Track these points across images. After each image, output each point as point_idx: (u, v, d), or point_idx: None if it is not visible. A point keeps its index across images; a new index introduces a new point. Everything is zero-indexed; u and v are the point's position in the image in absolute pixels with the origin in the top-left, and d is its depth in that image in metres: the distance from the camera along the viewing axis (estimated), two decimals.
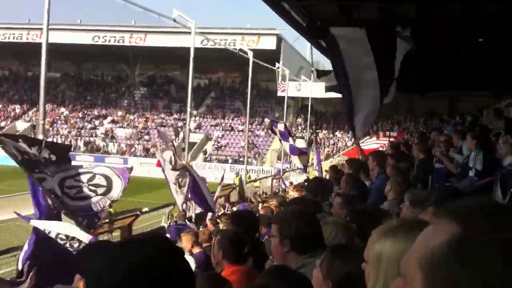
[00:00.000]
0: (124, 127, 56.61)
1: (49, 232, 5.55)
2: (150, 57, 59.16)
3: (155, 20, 48.38)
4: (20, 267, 5.31)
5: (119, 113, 59.03)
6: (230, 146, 52.41)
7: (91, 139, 54.59)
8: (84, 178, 6.56)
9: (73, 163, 7.34)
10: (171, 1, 52.57)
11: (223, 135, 54.42)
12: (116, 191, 6.60)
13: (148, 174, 34.80)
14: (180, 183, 9.50)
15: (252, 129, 50.00)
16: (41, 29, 13.26)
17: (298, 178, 21.71)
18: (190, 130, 22.58)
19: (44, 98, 11.68)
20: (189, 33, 21.06)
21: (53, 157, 6.43)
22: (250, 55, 27.29)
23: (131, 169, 7.39)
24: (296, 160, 13.09)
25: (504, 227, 0.85)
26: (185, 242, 6.79)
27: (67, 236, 5.46)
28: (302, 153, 14.14)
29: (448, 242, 0.86)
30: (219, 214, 11.55)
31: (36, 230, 5.52)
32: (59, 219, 6.32)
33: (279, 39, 51.78)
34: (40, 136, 11.57)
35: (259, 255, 4.35)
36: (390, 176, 5.96)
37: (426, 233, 0.93)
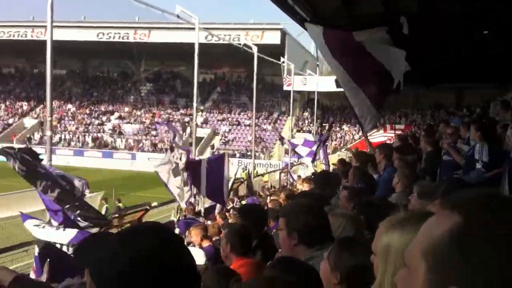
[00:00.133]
0: (131, 123, 56.78)
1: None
2: (155, 53, 59.22)
3: (158, 16, 48.48)
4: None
5: (126, 109, 59.19)
6: (237, 141, 52.47)
7: (99, 135, 54.80)
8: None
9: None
10: None
11: (230, 130, 54.46)
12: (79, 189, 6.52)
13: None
14: (185, 182, 9.45)
15: (258, 123, 50.00)
16: (45, 26, 13.30)
17: (306, 171, 21.70)
18: (197, 125, 22.59)
19: (51, 95, 11.73)
20: (193, 28, 21.08)
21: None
22: (255, 50, 27.27)
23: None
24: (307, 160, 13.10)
25: (505, 222, 0.86)
26: (194, 236, 6.81)
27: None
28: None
29: (450, 232, 0.88)
30: (228, 208, 11.58)
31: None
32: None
33: (283, 34, 51.67)
34: (48, 133, 11.65)
35: (268, 248, 4.37)
36: (398, 169, 5.96)
37: (429, 223, 0.94)
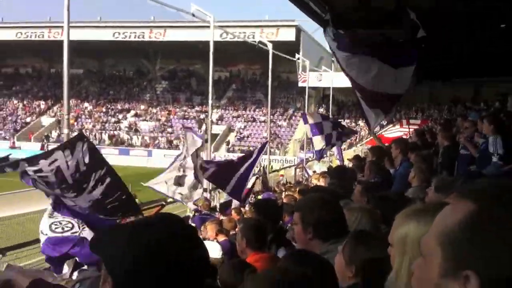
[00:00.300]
0: (147, 120, 57.16)
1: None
2: (171, 51, 59.48)
3: (174, 15, 48.77)
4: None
5: (142, 106, 59.60)
6: (253, 137, 52.54)
7: (115, 132, 55.26)
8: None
9: None
10: None
11: (245, 126, 54.56)
12: None
13: None
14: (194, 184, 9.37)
15: (274, 120, 49.99)
16: (61, 27, 13.41)
17: (321, 167, 21.64)
18: (212, 121, 22.66)
19: (68, 93, 11.85)
20: (208, 26, 21.10)
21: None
22: (270, 47, 27.24)
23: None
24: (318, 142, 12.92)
25: None
26: (209, 231, 6.84)
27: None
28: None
29: (464, 220, 0.89)
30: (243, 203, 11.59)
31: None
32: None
33: (298, 30, 51.54)
34: (66, 130, 11.76)
35: (283, 242, 4.38)
36: (414, 164, 5.93)
37: (444, 212, 0.96)
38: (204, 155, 9.48)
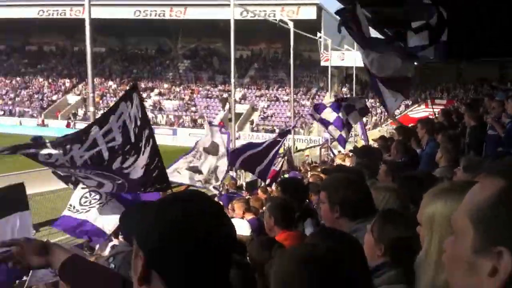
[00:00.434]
0: (171, 99, 57.39)
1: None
2: (191, 30, 59.36)
3: None
4: None
5: (165, 85, 59.82)
6: (276, 116, 52.44)
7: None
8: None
9: None
10: None
11: (268, 106, 54.42)
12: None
13: None
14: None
15: (297, 99, 49.76)
16: (82, 5, 13.44)
17: (347, 146, 21.53)
18: (235, 101, 22.67)
19: (92, 72, 11.95)
20: (228, 5, 20.91)
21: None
22: (291, 25, 27.02)
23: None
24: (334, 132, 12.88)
25: None
26: (236, 209, 6.89)
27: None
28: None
29: (494, 196, 0.91)
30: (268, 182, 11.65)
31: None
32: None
33: (319, 9, 50.95)
34: (91, 108, 11.91)
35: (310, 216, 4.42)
36: (440, 144, 5.89)
37: (474, 189, 0.97)
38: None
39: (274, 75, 58.62)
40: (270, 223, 3.95)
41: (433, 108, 15.95)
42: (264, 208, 6.59)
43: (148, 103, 56.74)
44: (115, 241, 7.20)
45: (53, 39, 67.94)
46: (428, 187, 1.96)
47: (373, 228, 2.39)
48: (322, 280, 1.41)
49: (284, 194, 4.84)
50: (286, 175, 12.56)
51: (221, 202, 9.35)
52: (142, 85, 60.13)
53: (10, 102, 60.51)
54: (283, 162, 12.37)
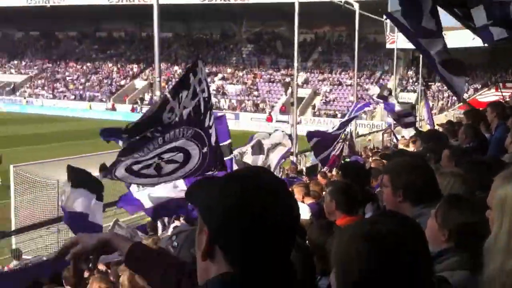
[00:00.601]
0: (234, 84, 57.89)
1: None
2: (256, 14, 59.35)
3: None
4: None
5: (228, 70, 60.38)
6: (339, 101, 51.84)
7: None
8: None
9: None
10: None
11: (331, 90, 53.86)
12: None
13: (258, 129, 35.46)
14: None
15: (360, 83, 48.91)
16: None
17: (410, 132, 21.03)
18: (298, 85, 22.57)
19: (159, 57, 12.20)
20: None
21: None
22: (356, 6, 26.47)
23: None
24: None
25: None
26: (296, 193, 6.89)
27: None
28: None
29: None
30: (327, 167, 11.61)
31: None
32: None
33: None
34: (158, 93, 12.21)
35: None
36: (511, 128, 5.64)
37: None
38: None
39: (337, 58, 57.86)
40: (331, 207, 3.92)
41: (502, 92, 15.29)
42: (324, 193, 6.56)
43: (211, 88, 57.46)
44: (177, 223, 7.40)
45: (122, 25, 69.95)
46: (496, 172, 1.90)
47: (437, 213, 2.35)
48: (380, 260, 1.38)
49: (345, 178, 4.80)
50: (348, 160, 12.45)
51: None
52: (206, 70, 60.67)
53: (81, 87, 63.06)
54: (342, 147, 12.32)
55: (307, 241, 3.46)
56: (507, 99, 10.32)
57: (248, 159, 9.66)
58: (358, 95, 41.18)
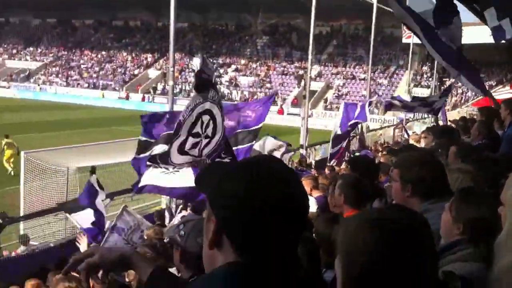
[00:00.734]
0: (247, 75, 57.83)
1: None
2: (272, 5, 59.16)
3: None
4: None
5: (242, 61, 60.29)
6: (351, 95, 51.58)
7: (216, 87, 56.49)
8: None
9: None
10: None
11: (344, 84, 53.61)
12: None
13: (269, 121, 35.43)
14: None
15: (374, 78, 48.62)
16: None
17: (422, 127, 20.90)
18: (311, 78, 22.46)
19: (174, 47, 12.18)
20: None
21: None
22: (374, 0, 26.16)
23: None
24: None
25: None
26: (305, 186, 6.86)
27: None
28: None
29: None
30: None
31: None
32: None
33: None
34: (171, 83, 12.21)
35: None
36: None
37: None
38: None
39: (352, 52, 57.55)
40: (340, 201, 3.89)
41: None
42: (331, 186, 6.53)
43: (224, 79, 57.50)
44: (184, 212, 7.43)
45: (138, 14, 70.06)
46: (508, 169, 1.88)
47: (452, 207, 2.34)
48: (387, 250, 1.34)
49: (354, 172, 4.77)
50: (357, 154, 12.41)
51: None
52: (220, 61, 60.89)
53: (94, 75, 63.35)
54: (349, 140, 12.34)
55: (313, 234, 3.46)
56: None
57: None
58: (371, 89, 40.95)
